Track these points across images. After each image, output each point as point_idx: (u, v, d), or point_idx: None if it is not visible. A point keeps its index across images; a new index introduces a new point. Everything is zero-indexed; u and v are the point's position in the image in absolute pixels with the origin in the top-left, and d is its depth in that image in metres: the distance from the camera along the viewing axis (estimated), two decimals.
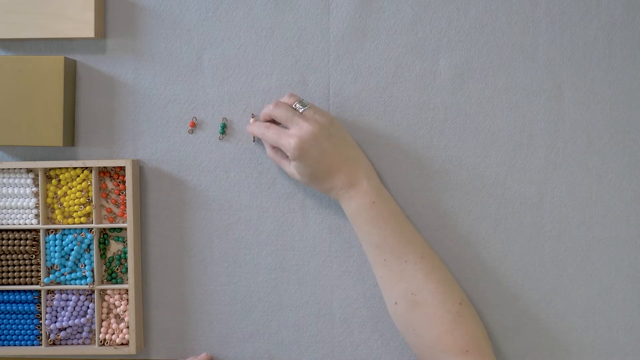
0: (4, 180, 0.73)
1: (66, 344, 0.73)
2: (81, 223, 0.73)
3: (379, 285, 0.67)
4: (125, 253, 0.73)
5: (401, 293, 0.64)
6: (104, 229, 0.74)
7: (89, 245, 0.73)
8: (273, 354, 0.73)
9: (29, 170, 0.73)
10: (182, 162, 0.73)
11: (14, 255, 0.73)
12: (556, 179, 0.70)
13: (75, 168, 0.73)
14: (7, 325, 0.73)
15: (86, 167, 0.73)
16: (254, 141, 0.73)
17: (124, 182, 0.73)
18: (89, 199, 0.73)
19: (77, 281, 0.72)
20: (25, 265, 0.73)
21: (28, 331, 0.73)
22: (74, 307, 0.73)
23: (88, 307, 0.73)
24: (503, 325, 0.71)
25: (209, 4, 0.73)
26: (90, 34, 0.71)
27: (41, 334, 0.73)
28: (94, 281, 0.72)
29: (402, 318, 0.64)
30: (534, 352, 0.70)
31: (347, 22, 0.71)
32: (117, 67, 0.74)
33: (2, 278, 0.73)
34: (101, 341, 0.73)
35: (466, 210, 0.71)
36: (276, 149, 0.68)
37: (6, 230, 0.73)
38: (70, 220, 0.73)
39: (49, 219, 0.73)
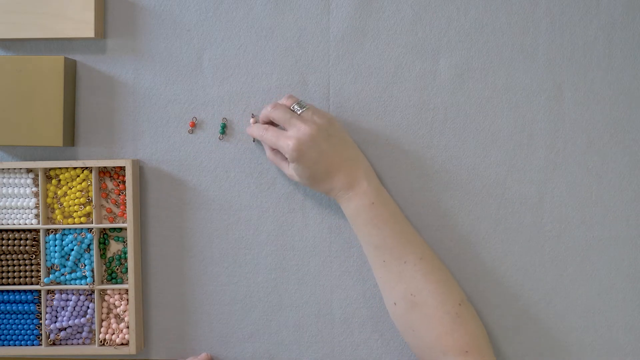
0: (4, 180, 0.73)
1: (66, 344, 0.73)
2: (81, 223, 0.73)
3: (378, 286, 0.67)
4: (125, 253, 0.73)
5: (400, 294, 0.64)
6: (104, 229, 0.74)
7: (89, 245, 0.73)
8: (273, 354, 0.73)
9: (29, 170, 0.73)
10: (182, 162, 0.73)
11: (14, 255, 0.73)
12: (556, 179, 0.70)
13: (75, 168, 0.73)
14: (7, 325, 0.73)
15: (86, 167, 0.73)
16: (254, 141, 0.73)
17: (124, 182, 0.73)
18: (89, 199, 0.73)
19: (77, 281, 0.72)
20: (25, 265, 0.73)
21: (28, 331, 0.73)
22: (74, 307, 0.73)
23: (88, 307, 0.73)
24: (503, 325, 0.71)
25: (209, 4, 0.72)
26: (90, 34, 0.71)
27: (41, 334, 0.73)
28: (94, 281, 0.72)
29: (402, 319, 0.64)
30: (534, 352, 0.70)
31: (347, 22, 0.71)
32: (117, 67, 0.74)
33: (2, 278, 0.73)
34: (101, 341, 0.73)
35: (466, 210, 0.71)
36: (275, 150, 0.68)
37: (6, 230, 0.73)
38: (70, 220, 0.73)
39: (49, 219, 0.73)
